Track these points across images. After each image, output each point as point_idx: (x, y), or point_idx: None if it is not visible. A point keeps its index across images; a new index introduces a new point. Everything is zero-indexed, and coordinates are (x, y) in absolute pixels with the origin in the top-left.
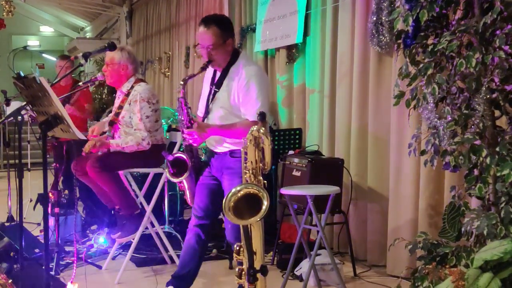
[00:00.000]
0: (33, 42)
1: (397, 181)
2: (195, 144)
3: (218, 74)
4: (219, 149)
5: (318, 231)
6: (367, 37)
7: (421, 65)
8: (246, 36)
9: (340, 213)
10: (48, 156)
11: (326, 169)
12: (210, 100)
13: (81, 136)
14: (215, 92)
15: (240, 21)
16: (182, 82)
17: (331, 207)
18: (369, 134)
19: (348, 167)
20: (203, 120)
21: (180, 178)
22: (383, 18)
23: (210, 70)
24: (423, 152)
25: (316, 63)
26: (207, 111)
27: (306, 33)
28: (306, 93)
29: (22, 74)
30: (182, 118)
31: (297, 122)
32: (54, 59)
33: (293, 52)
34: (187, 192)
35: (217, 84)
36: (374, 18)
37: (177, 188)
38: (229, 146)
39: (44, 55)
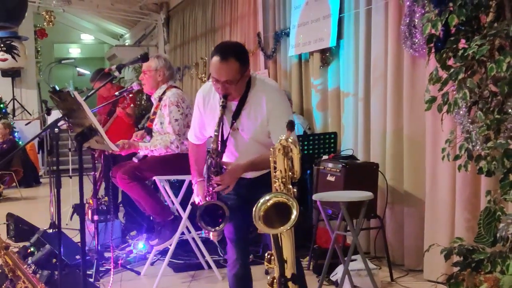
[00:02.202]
0: (74, 50)
1: (433, 185)
2: (228, 190)
3: (233, 103)
4: (255, 175)
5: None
6: (400, 40)
7: (452, 70)
8: (280, 40)
9: (376, 217)
10: (96, 162)
11: (361, 173)
12: (226, 133)
13: (114, 148)
14: (232, 123)
15: (274, 25)
16: (215, 133)
17: (365, 212)
18: (404, 138)
19: (384, 171)
20: (221, 156)
21: (218, 228)
22: (416, 20)
23: (215, 97)
24: (456, 157)
25: (350, 67)
26: (224, 145)
27: (339, 37)
28: (341, 97)
29: (57, 88)
30: (213, 165)
31: (332, 126)
32: (87, 72)
33: (327, 55)
34: (212, 232)
35: (234, 116)
36: (407, 21)
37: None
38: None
39: (78, 69)
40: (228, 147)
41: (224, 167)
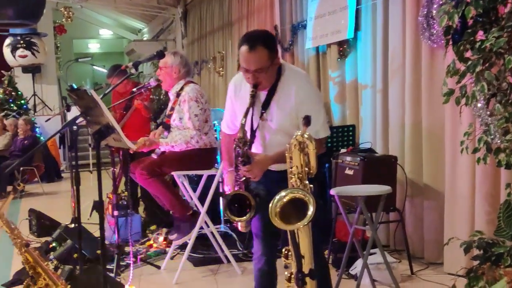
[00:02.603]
0: (93, 45)
1: (452, 177)
2: (254, 179)
3: (262, 93)
4: (282, 167)
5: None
6: (418, 31)
7: (469, 62)
8: (297, 33)
9: (395, 211)
10: (115, 157)
11: (379, 167)
12: (256, 123)
13: (131, 145)
14: (262, 114)
15: (291, 18)
16: (243, 122)
17: (384, 206)
18: (423, 130)
19: (403, 163)
20: (250, 146)
21: (243, 218)
22: (434, 11)
23: (246, 86)
24: (475, 150)
25: (367, 58)
26: (253, 135)
27: (357, 28)
28: (359, 89)
29: (75, 87)
30: (240, 155)
31: (351, 119)
32: (104, 70)
33: (345, 47)
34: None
35: (264, 105)
36: (425, 12)
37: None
38: None
39: (94, 67)
40: (256, 137)
41: (252, 157)
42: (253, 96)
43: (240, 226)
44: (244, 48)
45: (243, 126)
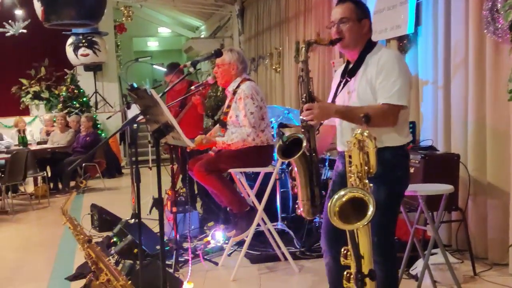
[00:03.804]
0: (152, 43)
1: None
2: (312, 122)
3: (350, 65)
4: None
5: None
6: (482, 25)
7: None
8: None
9: (457, 210)
10: (164, 153)
11: (441, 165)
12: (339, 90)
13: (190, 143)
14: (347, 81)
15: None
16: (305, 45)
17: (446, 205)
18: (487, 127)
19: (466, 161)
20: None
21: (291, 158)
22: (499, 4)
23: (341, 69)
24: None
25: (428, 54)
26: (333, 102)
27: (417, 23)
28: (419, 85)
29: (135, 86)
30: (302, 92)
31: (411, 115)
32: (163, 69)
33: (405, 43)
34: (300, 194)
35: (350, 72)
36: (490, 5)
37: (290, 188)
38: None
39: (154, 66)
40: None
41: (317, 100)
42: (332, 43)
43: (303, 211)
44: (335, 5)
45: (310, 44)
